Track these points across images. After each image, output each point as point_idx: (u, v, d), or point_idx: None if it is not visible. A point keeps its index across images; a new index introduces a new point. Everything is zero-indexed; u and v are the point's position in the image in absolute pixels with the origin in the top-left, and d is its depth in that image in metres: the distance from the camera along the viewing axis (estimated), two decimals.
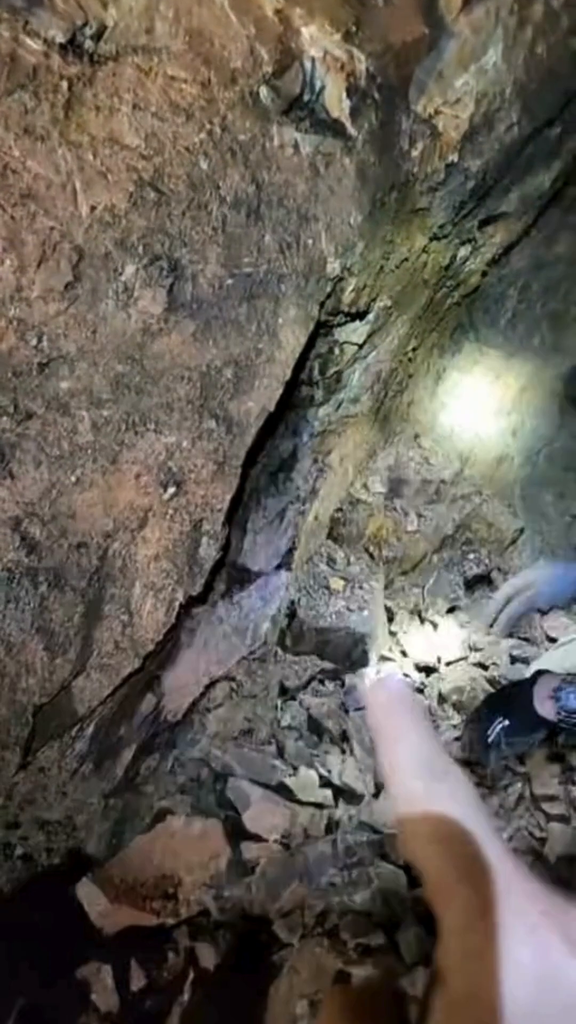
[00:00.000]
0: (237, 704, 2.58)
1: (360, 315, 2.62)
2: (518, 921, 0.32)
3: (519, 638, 2.83)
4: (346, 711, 2.60)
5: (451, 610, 3.11)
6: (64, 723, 2.30)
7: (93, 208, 2.10)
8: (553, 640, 2.76)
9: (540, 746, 2.38)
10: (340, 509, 2.94)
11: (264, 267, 2.36)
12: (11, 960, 2.12)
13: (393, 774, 0.38)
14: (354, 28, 2.35)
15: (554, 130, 2.88)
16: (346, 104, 2.40)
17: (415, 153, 2.55)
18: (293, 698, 2.65)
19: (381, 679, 0.41)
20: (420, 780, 0.36)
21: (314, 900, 2.22)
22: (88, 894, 2.25)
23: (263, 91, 2.29)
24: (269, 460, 2.60)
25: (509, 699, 2.31)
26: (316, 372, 2.62)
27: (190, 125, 2.20)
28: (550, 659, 2.57)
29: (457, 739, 2.46)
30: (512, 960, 0.30)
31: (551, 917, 0.33)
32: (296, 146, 2.35)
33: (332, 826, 2.38)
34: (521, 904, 0.33)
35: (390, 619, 2.93)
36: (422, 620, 2.99)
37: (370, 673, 2.60)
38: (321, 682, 2.67)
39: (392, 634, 2.89)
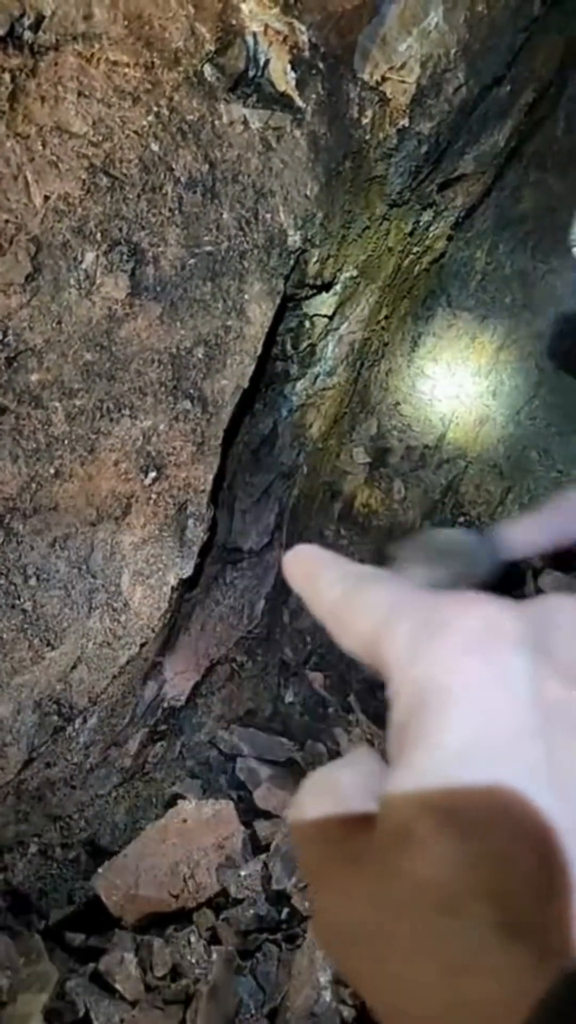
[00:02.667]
0: (240, 684, 2.57)
1: (327, 286, 2.62)
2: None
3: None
4: (349, 683, 2.59)
5: None
6: (66, 716, 2.29)
7: (47, 198, 2.10)
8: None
9: None
10: (326, 482, 2.93)
11: (225, 244, 2.36)
12: (33, 956, 2.11)
13: (313, 603, 0.36)
14: None
15: (503, 88, 2.89)
16: (292, 76, 2.41)
17: (365, 120, 2.56)
18: (295, 674, 2.65)
19: (291, 552, 0.40)
20: (339, 585, 0.36)
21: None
22: (105, 885, 2.24)
23: (207, 69, 2.31)
24: (250, 438, 2.60)
25: None
26: (289, 346, 2.62)
27: (137, 108, 2.21)
28: None
29: None
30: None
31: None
32: (246, 122, 2.36)
33: None
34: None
35: None
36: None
37: None
38: (322, 656, 2.66)
39: None
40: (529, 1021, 0.22)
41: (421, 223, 2.90)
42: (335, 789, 0.33)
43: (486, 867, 0.24)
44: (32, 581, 2.17)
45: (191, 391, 2.33)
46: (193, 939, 2.18)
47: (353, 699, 2.55)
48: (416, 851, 0.25)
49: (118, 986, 2.08)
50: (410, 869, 0.25)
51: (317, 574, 0.36)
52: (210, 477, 2.38)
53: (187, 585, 2.45)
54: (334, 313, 2.71)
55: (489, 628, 0.29)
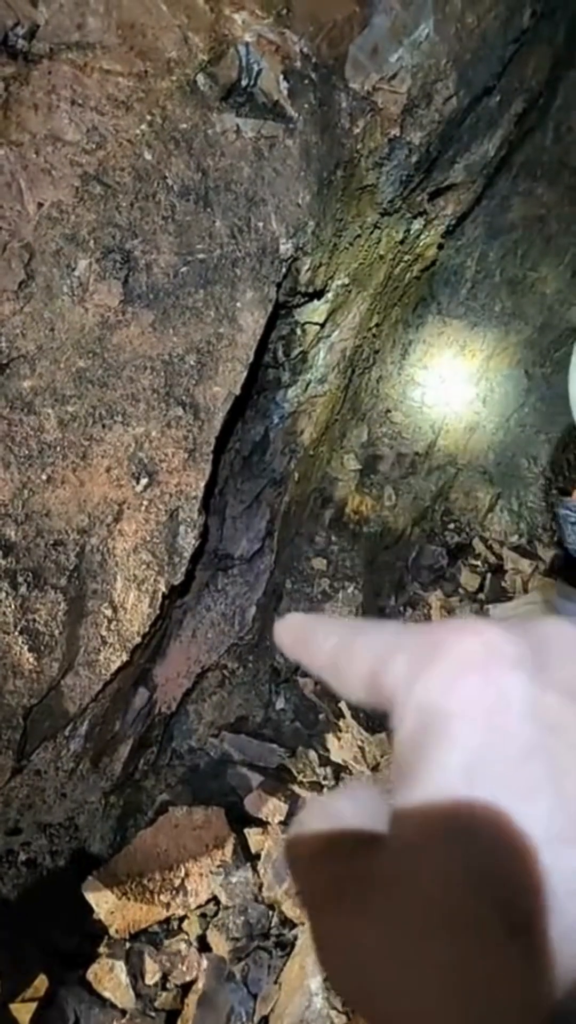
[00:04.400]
0: (231, 691, 2.57)
1: (318, 294, 2.64)
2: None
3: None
4: None
5: (435, 580, 3.12)
6: (56, 723, 2.29)
7: (40, 205, 2.11)
8: None
9: None
10: (317, 489, 2.94)
11: (217, 252, 2.37)
12: (24, 964, 2.10)
13: (310, 661, 0.35)
14: (285, 10, 2.38)
15: (493, 99, 2.92)
16: (284, 86, 2.42)
17: (357, 130, 2.58)
18: (286, 681, 2.65)
19: (280, 619, 0.40)
20: (332, 637, 0.34)
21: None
22: (95, 893, 2.23)
23: (200, 79, 2.32)
24: (241, 444, 2.61)
25: None
26: (280, 353, 2.63)
27: (130, 117, 2.22)
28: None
29: None
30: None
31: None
32: (238, 131, 2.37)
33: None
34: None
35: (376, 594, 2.94)
36: (408, 593, 2.99)
37: None
38: None
39: (380, 609, 2.89)
40: None
41: (412, 231, 2.93)
42: (336, 817, 0.32)
43: (493, 880, 0.25)
44: (23, 588, 2.17)
45: (183, 398, 2.34)
46: (183, 946, 2.17)
47: (344, 705, 2.56)
48: (426, 866, 0.26)
49: (108, 994, 2.08)
50: (421, 885, 0.25)
51: (309, 635, 0.36)
52: (202, 483, 2.39)
53: (178, 592, 2.45)
54: (326, 320, 2.72)
55: (486, 649, 0.29)
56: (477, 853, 0.25)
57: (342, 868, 0.30)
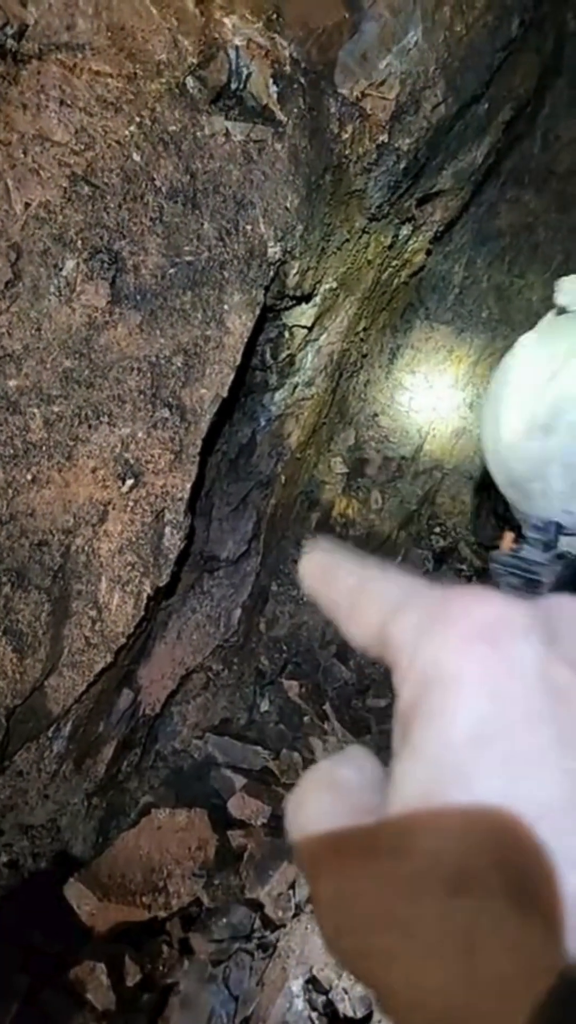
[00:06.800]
0: (215, 693, 2.57)
1: (306, 298, 2.65)
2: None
3: None
4: (324, 692, 2.60)
5: None
6: (39, 724, 2.28)
7: (27, 205, 2.10)
8: None
9: None
10: (304, 492, 2.95)
11: (205, 255, 2.38)
12: (4, 965, 2.09)
13: (325, 596, 0.35)
14: (275, 15, 2.39)
15: (481, 106, 2.94)
16: (273, 90, 2.44)
17: (345, 135, 2.60)
18: (271, 683, 2.66)
19: (308, 551, 0.40)
20: (352, 577, 0.35)
21: (304, 880, 2.21)
22: (77, 894, 2.22)
23: (190, 82, 2.33)
24: (228, 447, 2.61)
25: None
26: (268, 356, 2.64)
27: (119, 118, 2.22)
28: None
29: None
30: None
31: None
32: (227, 134, 2.38)
33: None
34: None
35: None
36: None
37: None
38: (298, 665, 2.68)
39: None
40: (543, 1000, 0.23)
41: (400, 237, 2.94)
42: (336, 783, 0.33)
43: (496, 843, 0.25)
44: (7, 589, 2.16)
45: (170, 399, 2.34)
46: (165, 949, 2.17)
47: (328, 708, 2.56)
48: (428, 830, 0.26)
49: (89, 996, 2.07)
50: (422, 847, 0.25)
51: (332, 569, 0.36)
52: (188, 485, 2.39)
53: (163, 593, 2.45)
54: (313, 324, 2.73)
55: (498, 618, 0.29)
56: (480, 819, 0.25)
57: (344, 835, 0.30)
